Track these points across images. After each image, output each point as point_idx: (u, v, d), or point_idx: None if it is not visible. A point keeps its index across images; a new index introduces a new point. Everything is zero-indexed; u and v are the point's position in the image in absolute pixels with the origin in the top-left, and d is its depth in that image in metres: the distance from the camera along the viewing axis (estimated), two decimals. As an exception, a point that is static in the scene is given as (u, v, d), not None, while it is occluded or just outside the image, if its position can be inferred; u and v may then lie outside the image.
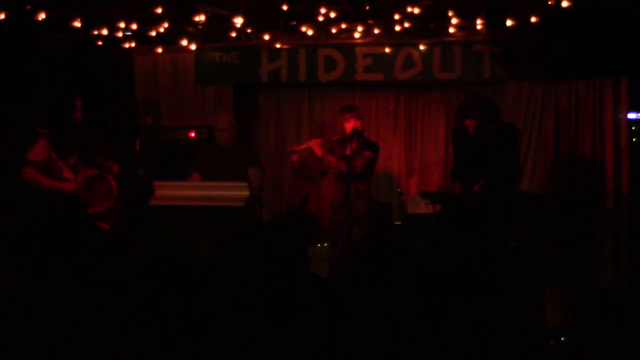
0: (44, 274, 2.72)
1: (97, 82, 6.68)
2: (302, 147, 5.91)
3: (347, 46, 6.77)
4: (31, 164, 5.32)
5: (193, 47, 6.72)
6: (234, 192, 5.26)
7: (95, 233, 3.15)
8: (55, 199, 3.74)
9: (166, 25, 6.25)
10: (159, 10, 5.80)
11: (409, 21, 6.09)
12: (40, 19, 5.73)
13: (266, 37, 6.63)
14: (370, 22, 6.21)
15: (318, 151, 5.80)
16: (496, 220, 5.38)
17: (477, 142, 5.59)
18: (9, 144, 6.09)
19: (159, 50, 6.93)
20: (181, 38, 6.61)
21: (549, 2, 5.39)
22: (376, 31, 6.44)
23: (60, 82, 6.44)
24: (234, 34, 6.58)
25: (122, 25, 6.21)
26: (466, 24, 6.20)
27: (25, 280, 2.69)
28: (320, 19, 5.95)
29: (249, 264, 2.70)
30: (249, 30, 6.58)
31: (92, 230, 3.09)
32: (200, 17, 5.98)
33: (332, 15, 5.86)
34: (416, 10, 5.77)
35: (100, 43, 6.59)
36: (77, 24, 5.89)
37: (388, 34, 6.47)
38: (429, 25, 6.29)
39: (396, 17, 5.99)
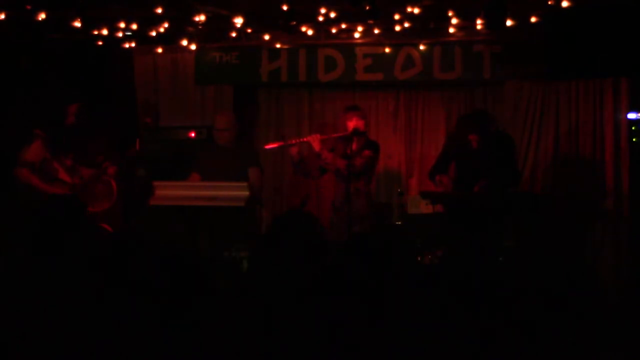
0: (42, 274, 2.72)
1: (97, 82, 6.69)
2: (301, 140, 5.90)
3: (347, 46, 6.77)
4: (25, 164, 5.36)
5: (193, 47, 6.73)
6: (234, 192, 5.26)
7: (94, 233, 3.15)
8: (53, 199, 3.74)
9: (166, 25, 6.26)
10: (159, 10, 5.80)
11: (409, 21, 6.09)
12: (40, 19, 5.73)
13: (266, 37, 6.63)
14: (370, 22, 6.21)
15: (316, 146, 5.77)
16: (495, 220, 5.39)
17: (478, 154, 5.58)
18: (9, 144, 6.09)
19: (159, 50, 6.93)
20: (181, 38, 6.62)
21: (549, 2, 5.39)
22: (376, 31, 6.44)
23: (60, 84, 6.44)
24: (234, 34, 6.58)
25: (122, 25, 6.21)
26: (466, 24, 6.21)
27: (24, 281, 2.69)
28: (320, 19, 5.95)
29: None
30: (249, 30, 6.59)
31: (91, 230, 3.09)
32: (200, 17, 5.98)
33: (332, 15, 5.87)
34: (416, 10, 5.77)
35: (100, 43, 6.60)
36: (77, 24, 5.89)
37: (388, 34, 6.47)
38: (429, 25, 6.29)
39: (396, 17, 5.99)
